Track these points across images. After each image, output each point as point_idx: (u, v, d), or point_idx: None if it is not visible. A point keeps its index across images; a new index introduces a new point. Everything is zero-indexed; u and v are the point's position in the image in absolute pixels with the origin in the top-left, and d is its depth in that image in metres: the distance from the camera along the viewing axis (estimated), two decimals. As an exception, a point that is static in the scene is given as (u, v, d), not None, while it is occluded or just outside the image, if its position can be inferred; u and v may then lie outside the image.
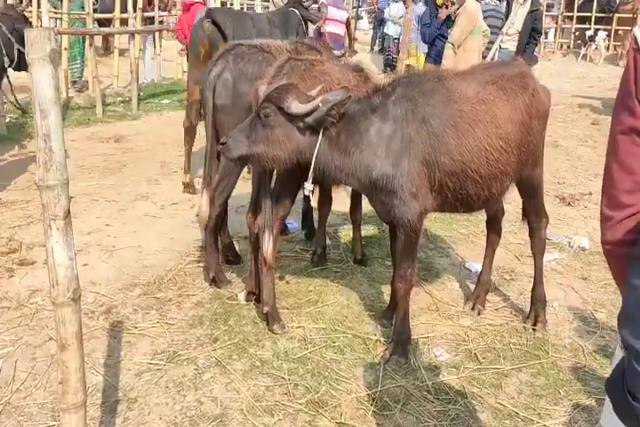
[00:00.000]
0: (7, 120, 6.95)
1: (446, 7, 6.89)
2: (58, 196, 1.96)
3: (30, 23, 5.88)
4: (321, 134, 2.82)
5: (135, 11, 9.58)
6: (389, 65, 13.92)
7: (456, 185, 2.92)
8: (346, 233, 4.72)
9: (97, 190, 5.28)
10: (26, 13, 5.70)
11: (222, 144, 2.86)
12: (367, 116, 2.86)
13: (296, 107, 2.75)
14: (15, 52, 5.17)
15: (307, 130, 2.83)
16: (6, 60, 5.18)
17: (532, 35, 7.74)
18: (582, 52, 17.48)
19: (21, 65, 5.23)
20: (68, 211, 2.01)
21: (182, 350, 3.08)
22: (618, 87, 1.36)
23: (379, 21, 15.12)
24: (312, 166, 2.85)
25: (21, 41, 5.03)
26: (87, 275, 3.76)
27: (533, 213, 3.46)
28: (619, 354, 1.60)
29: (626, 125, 1.30)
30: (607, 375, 3.00)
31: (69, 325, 1.97)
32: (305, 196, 4.32)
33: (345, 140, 2.85)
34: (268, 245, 3.15)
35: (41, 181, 1.94)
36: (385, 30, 14.00)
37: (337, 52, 4.37)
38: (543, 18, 7.73)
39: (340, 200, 4.91)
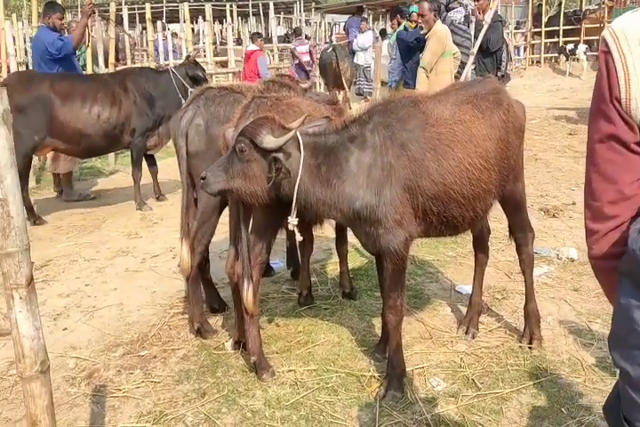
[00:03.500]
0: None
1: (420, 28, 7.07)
2: (19, 263, 1.90)
3: (202, 68, 6.68)
4: (300, 168, 2.75)
5: (107, 66, 9.67)
6: (361, 94, 14.23)
7: (440, 208, 2.87)
8: (332, 267, 4.65)
9: (75, 250, 5.19)
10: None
11: (202, 178, 2.83)
12: (346, 146, 2.81)
13: (268, 141, 2.69)
14: (189, 93, 6.06)
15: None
16: (183, 100, 6.12)
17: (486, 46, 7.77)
18: (569, 69, 17.71)
19: None
20: (31, 278, 1.94)
21: (169, 408, 2.94)
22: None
23: (350, 53, 15.50)
24: (294, 201, 2.79)
25: (192, 83, 6.36)
26: (67, 339, 3.65)
27: (519, 229, 3.42)
28: None
29: (603, 133, 1.25)
30: (608, 388, 2.90)
31: (39, 399, 1.87)
32: (289, 232, 4.24)
33: (326, 172, 2.80)
34: (247, 294, 3.05)
35: (0, 249, 1.88)
36: (355, 61, 14.36)
37: (304, 85, 4.38)
38: (500, 30, 7.80)
39: (324, 234, 4.86)
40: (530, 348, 3.33)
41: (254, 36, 10.91)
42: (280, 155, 2.68)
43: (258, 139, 2.70)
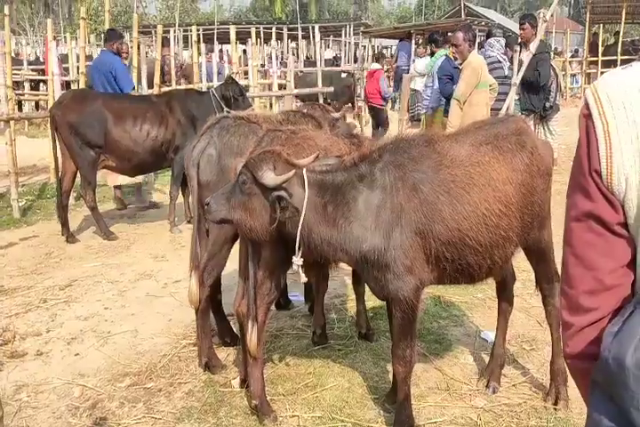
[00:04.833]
0: (22, 203, 7.10)
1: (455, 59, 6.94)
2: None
3: (240, 87, 6.93)
4: (304, 207, 2.65)
5: (152, 86, 9.86)
6: (418, 119, 14.01)
7: (454, 255, 2.71)
8: (353, 304, 4.47)
9: (101, 271, 5.22)
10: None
11: (206, 204, 2.75)
12: (354, 185, 2.69)
13: (268, 178, 2.58)
14: (225, 111, 6.27)
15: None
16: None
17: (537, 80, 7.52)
18: None
19: None
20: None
21: (165, 449, 2.85)
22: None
23: (399, 78, 15.38)
24: (297, 241, 2.68)
25: (227, 102, 6.55)
26: (77, 366, 3.62)
27: (544, 280, 3.21)
28: None
29: (580, 210, 1.07)
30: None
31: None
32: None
33: (332, 211, 2.67)
34: (251, 337, 2.94)
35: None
36: (412, 86, 14.21)
37: (335, 115, 4.24)
38: (548, 62, 7.54)
39: (348, 267, 4.70)
40: (555, 409, 3.09)
41: (377, 56, 12.43)
42: (282, 193, 2.57)
43: (258, 174, 2.60)
